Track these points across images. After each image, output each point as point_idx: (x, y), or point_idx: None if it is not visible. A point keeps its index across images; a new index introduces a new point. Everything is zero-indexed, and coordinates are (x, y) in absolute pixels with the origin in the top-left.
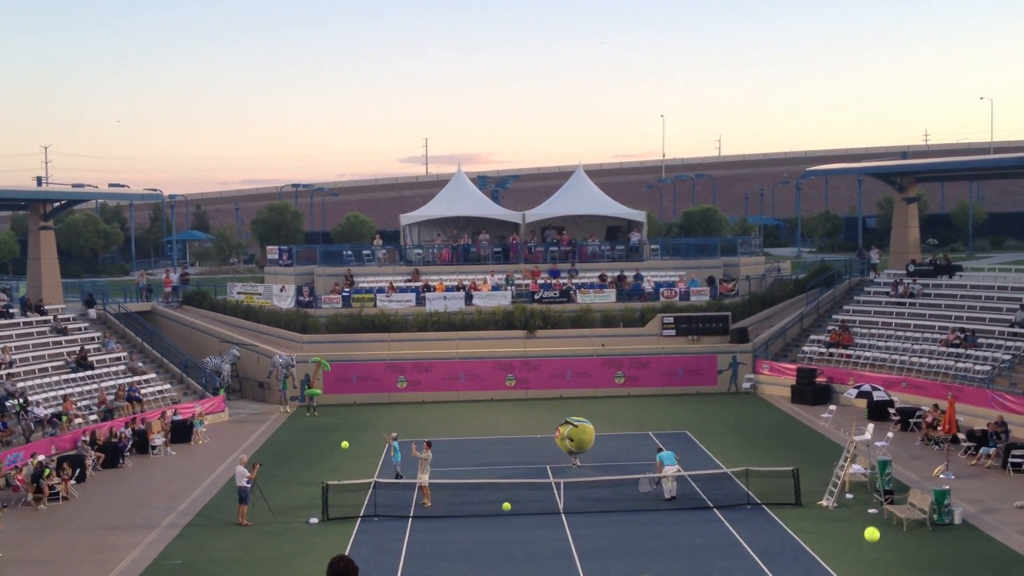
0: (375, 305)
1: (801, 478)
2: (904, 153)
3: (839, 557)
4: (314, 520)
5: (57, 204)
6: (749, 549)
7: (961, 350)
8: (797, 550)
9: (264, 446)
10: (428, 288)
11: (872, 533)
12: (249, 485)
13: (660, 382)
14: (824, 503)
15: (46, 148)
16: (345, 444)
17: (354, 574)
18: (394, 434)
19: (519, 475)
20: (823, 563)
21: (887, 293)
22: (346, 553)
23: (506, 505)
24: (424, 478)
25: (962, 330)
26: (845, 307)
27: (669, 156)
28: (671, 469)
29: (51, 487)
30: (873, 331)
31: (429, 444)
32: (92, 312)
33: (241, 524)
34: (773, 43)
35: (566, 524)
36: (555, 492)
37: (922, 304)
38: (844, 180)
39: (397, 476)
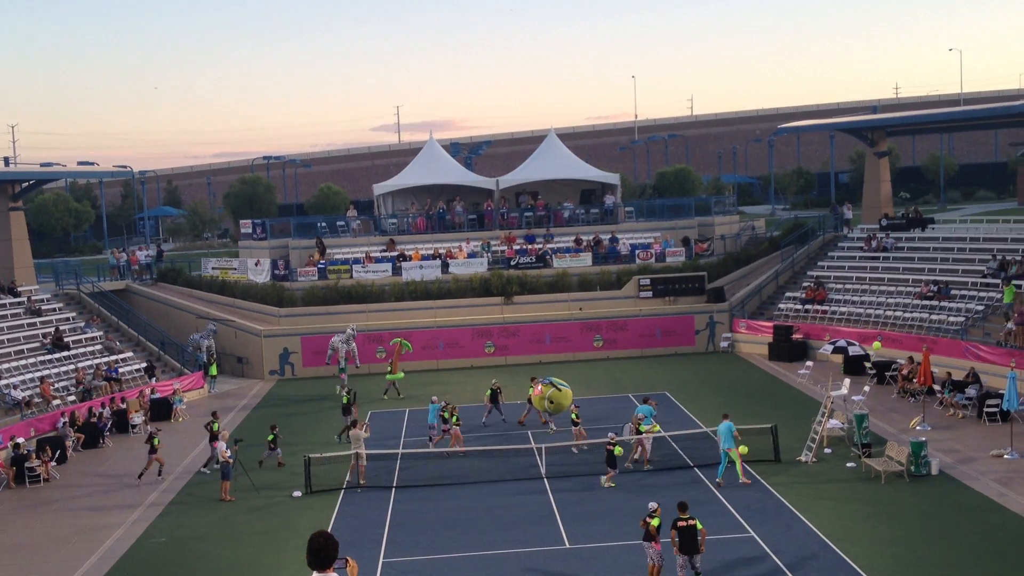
0: (351, 276)
1: (780, 435)
2: (874, 107)
3: (818, 511)
4: (297, 494)
5: (26, 184)
6: (730, 506)
7: (935, 302)
8: (777, 506)
9: (245, 421)
10: (404, 257)
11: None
12: (232, 460)
13: (638, 344)
14: (803, 459)
15: (13, 127)
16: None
17: (334, 549)
18: (434, 397)
19: (501, 441)
20: (802, 517)
21: (860, 248)
22: (330, 527)
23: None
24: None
25: (935, 282)
26: (819, 263)
27: (641, 117)
28: (645, 428)
29: (31, 469)
30: (848, 286)
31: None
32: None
33: (225, 500)
34: (742, 1)
35: (549, 489)
36: (537, 457)
37: (896, 258)
38: (816, 136)
39: (430, 440)
